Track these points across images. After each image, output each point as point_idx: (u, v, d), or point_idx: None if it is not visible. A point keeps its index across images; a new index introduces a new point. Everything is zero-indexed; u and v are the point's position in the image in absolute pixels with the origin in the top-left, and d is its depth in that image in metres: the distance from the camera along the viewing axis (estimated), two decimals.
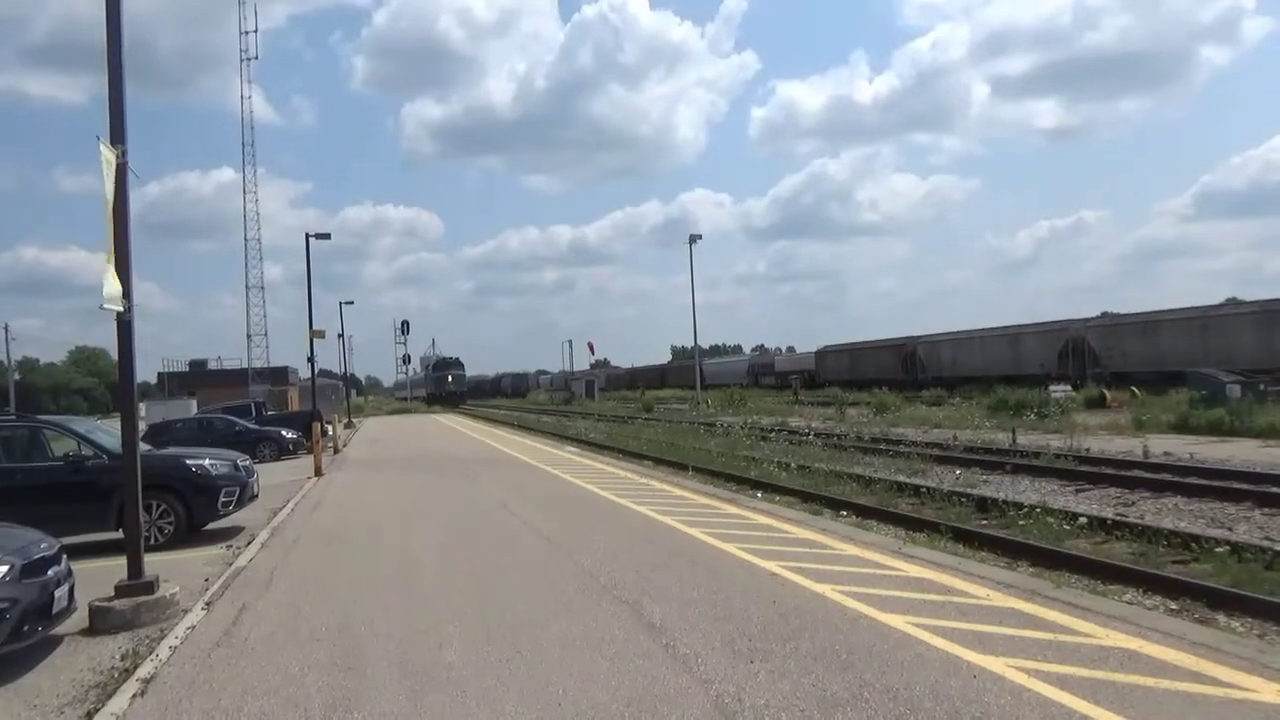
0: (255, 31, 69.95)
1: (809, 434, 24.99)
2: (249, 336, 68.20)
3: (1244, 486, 12.43)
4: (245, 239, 68.34)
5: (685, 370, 75.92)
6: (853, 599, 6.71)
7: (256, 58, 71.97)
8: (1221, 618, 6.75)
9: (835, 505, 12.66)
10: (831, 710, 4.59)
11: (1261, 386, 24.28)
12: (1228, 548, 8.36)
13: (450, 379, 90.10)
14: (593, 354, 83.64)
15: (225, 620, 7.25)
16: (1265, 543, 8.78)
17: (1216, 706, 4.40)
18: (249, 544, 11.18)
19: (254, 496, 13.03)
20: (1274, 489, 12.10)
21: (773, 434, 25.47)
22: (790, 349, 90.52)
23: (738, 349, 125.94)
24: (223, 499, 12.04)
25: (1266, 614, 6.67)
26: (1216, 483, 12.92)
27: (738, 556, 8.59)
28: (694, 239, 48.16)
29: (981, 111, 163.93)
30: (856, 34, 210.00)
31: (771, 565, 8.04)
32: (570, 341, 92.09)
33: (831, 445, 21.57)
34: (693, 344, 59.18)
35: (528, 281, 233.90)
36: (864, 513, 11.97)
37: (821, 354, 68.94)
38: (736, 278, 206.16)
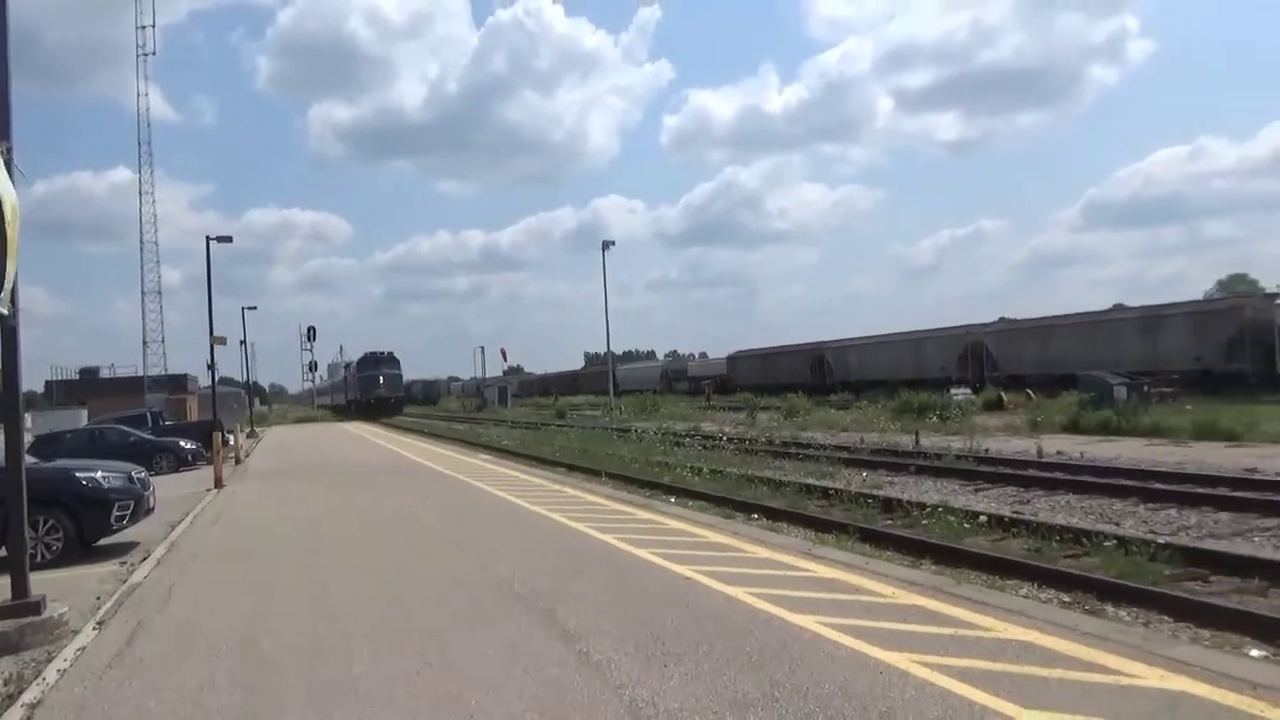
0: (153, 26, 67.33)
1: (721, 439, 25.28)
2: (145, 343, 65.60)
3: (1130, 483, 13.09)
4: (141, 241, 65.86)
5: (599, 376, 75.96)
6: (764, 601, 6.81)
7: (154, 53, 68.83)
8: (1110, 608, 7.08)
9: (747, 509, 12.83)
10: (744, 711, 4.64)
11: (1145, 388, 25.64)
12: (1115, 542, 8.77)
13: (383, 380, 69.48)
14: (505, 360, 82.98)
15: (118, 640, 6.92)
16: (1149, 536, 9.26)
17: (1106, 693, 4.61)
18: (144, 560, 10.70)
19: (150, 510, 12.48)
20: (1157, 485, 12.78)
21: (686, 439, 25.68)
22: (703, 354, 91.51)
23: (651, 355, 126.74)
24: (116, 513, 11.49)
25: (1150, 603, 7.03)
26: (1105, 480, 13.57)
27: (651, 561, 8.62)
28: (607, 245, 48.48)
29: (886, 123, 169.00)
30: (767, 46, 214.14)
31: (685, 569, 8.10)
32: (483, 348, 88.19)
33: (743, 449, 21.86)
34: (606, 350, 59.36)
35: (439, 287, 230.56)
36: (775, 515, 12.16)
37: (733, 359, 69.91)
38: (649, 284, 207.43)
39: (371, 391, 68.54)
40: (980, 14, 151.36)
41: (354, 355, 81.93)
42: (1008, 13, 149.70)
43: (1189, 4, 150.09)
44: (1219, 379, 32.06)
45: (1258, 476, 13.25)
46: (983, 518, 10.75)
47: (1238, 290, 62.80)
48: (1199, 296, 52.40)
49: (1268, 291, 45.56)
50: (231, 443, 29.38)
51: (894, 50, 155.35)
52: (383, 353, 71.58)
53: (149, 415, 33.57)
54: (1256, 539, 9.60)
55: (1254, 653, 5.83)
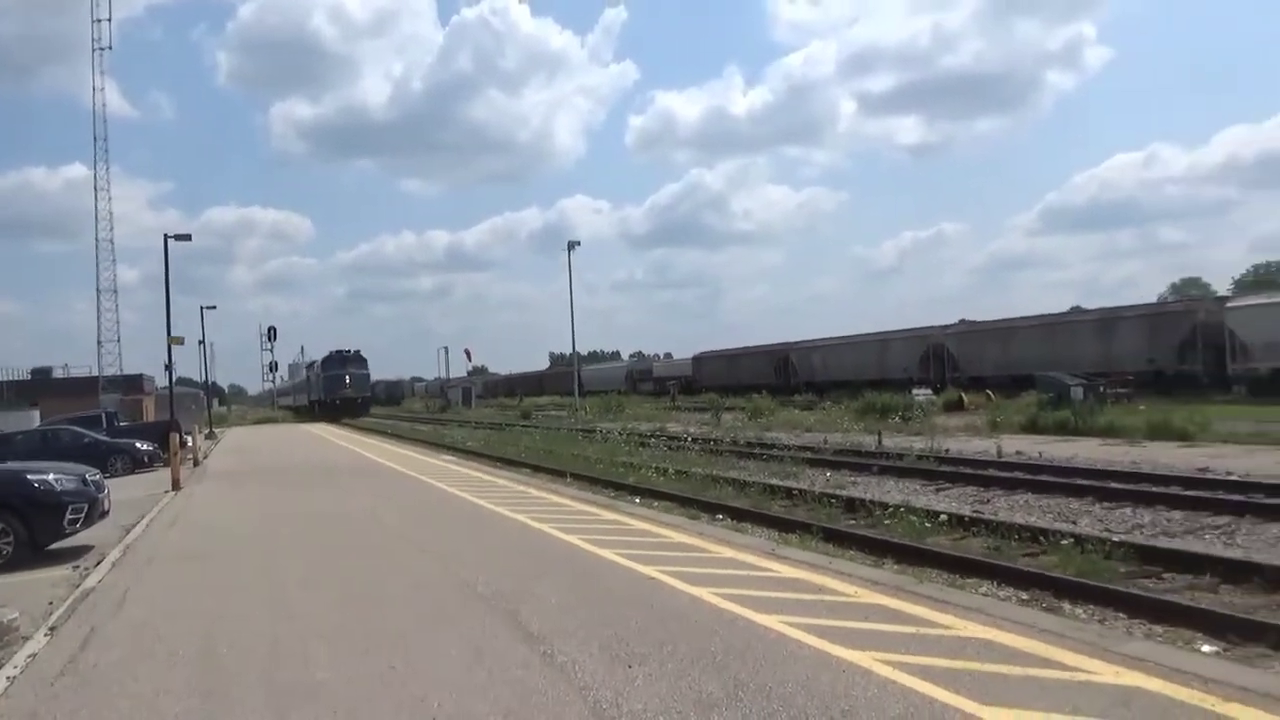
0: (109, 20, 66.02)
1: (686, 439, 25.34)
2: (100, 343, 64.34)
3: (1086, 483, 13.33)
4: (97, 239, 64.48)
5: (564, 377, 75.76)
6: (728, 601, 6.84)
7: (110, 48, 67.52)
8: (1067, 605, 7.21)
9: (711, 509, 12.88)
10: (708, 711, 4.66)
11: (1101, 389, 26.12)
12: (1072, 540, 8.93)
13: (349, 379, 66.34)
14: (470, 360, 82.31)
15: (71, 646, 6.77)
16: (1104, 534, 9.44)
17: (1062, 689, 4.69)
18: (99, 563, 10.49)
19: (105, 513, 12.23)
20: (1113, 484, 13.02)
21: (651, 439, 25.71)
22: (668, 355, 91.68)
23: (616, 355, 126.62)
24: (69, 516, 11.24)
25: (1105, 601, 7.18)
26: (1062, 479, 13.81)
27: (616, 562, 8.62)
28: (573, 245, 48.39)
29: (849, 126, 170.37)
30: (731, 49, 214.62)
31: (649, 570, 8.11)
32: (447, 348, 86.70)
33: (708, 450, 21.93)
34: (571, 350, 59.23)
35: (403, 287, 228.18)
36: (739, 516, 12.21)
37: (699, 360, 70.14)
38: (615, 284, 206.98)
39: (337, 391, 65.36)
40: (941, 20, 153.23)
41: (316, 356, 79.34)
42: (968, 19, 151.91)
43: (1145, 13, 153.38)
44: (1172, 380, 32.80)
45: (1209, 475, 13.55)
46: (944, 517, 10.88)
47: (1190, 294, 64.23)
48: (1153, 299, 53.67)
49: (1219, 295, 46.73)
50: (189, 444, 28.88)
51: (856, 54, 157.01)
52: (349, 351, 68.64)
53: (104, 416, 32.88)
54: (1208, 537, 9.83)
55: (1205, 648, 5.97)
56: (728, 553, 8.87)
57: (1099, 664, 5.04)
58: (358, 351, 68.96)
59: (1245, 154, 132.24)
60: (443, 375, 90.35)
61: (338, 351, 68.42)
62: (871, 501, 12.43)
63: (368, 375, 70.20)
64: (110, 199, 65.91)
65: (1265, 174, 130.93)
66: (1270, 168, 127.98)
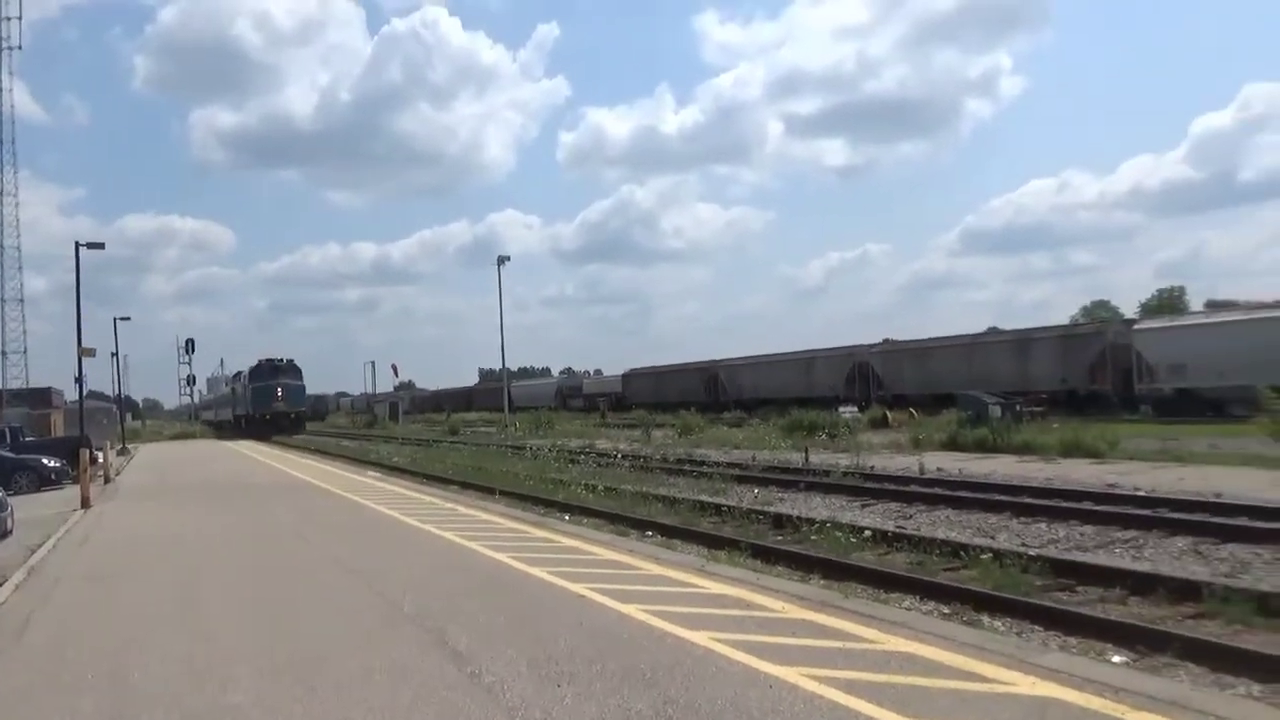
0: (19, 18, 63.49)
1: (616, 456, 25.35)
2: (4, 354, 61.67)
3: (1004, 498, 13.73)
4: (2, 246, 61.73)
5: (493, 392, 75.09)
6: (658, 618, 6.84)
7: (20, 47, 65.00)
8: (986, 619, 7.41)
9: (641, 526, 12.89)
10: None
11: (1018, 407, 26.94)
12: (991, 555, 9.20)
13: (282, 392, 59.66)
14: (397, 375, 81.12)
15: None
16: (1021, 549, 9.74)
17: (983, 701, 4.82)
18: (0, 585, 10.00)
19: (8, 532, 11.71)
20: (1029, 500, 13.44)
21: (581, 456, 25.65)
22: (598, 371, 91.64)
23: (546, 371, 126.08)
24: None
25: (1023, 614, 7.40)
26: (981, 495, 14.20)
27: (545, 580, 8.56)
28: (503, 260, 48.10)
29: (776, 148, 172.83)
30: (663, 69, 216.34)
31: (578, 588, 8.07)
32: (373, 362, 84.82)
33: (638, 467, 21.97)
34: (501, 366, 58.84)
35: (328, 299, 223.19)
36: (669, 532, 12.25)
37: (628, 377, 70.29)
38: (545, 300, 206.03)
39: (268, 406, 58.74)
40: (865, 46, 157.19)
41: (235, 369, 73.65)
42: (891, 46, 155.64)
43: (1057, 45, 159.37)
44: (1083, 399, 34.05)
45: (1118, 491, 14.08)
46: (868, 533, 11.09)
47: (1100, 316, 66.83)
48: (1065, 320, 55.56)
49: (1126, 318, 48.71)
50: (100, 460, 27.76)
51: (783, 77, 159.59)
52: (281, 360, 61.57)
53: (7, 431, 31.31)
54: (1117, 550, 10.23)
55: (1115, 658, 6.20)
56: (657, 570, 8.88)
57: (1017, 675, 5.18)
58: (291, 361, 62.37)
59: (1150, 183, 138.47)
60: (369, 390, 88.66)
61: (268, 360, 61.59)
62: (799, 518, 12.60)
63: (303, 387, 63.60)
64: (18, 204, 63.41)
65: (1168, 202, 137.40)
66: (1172, 196, 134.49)
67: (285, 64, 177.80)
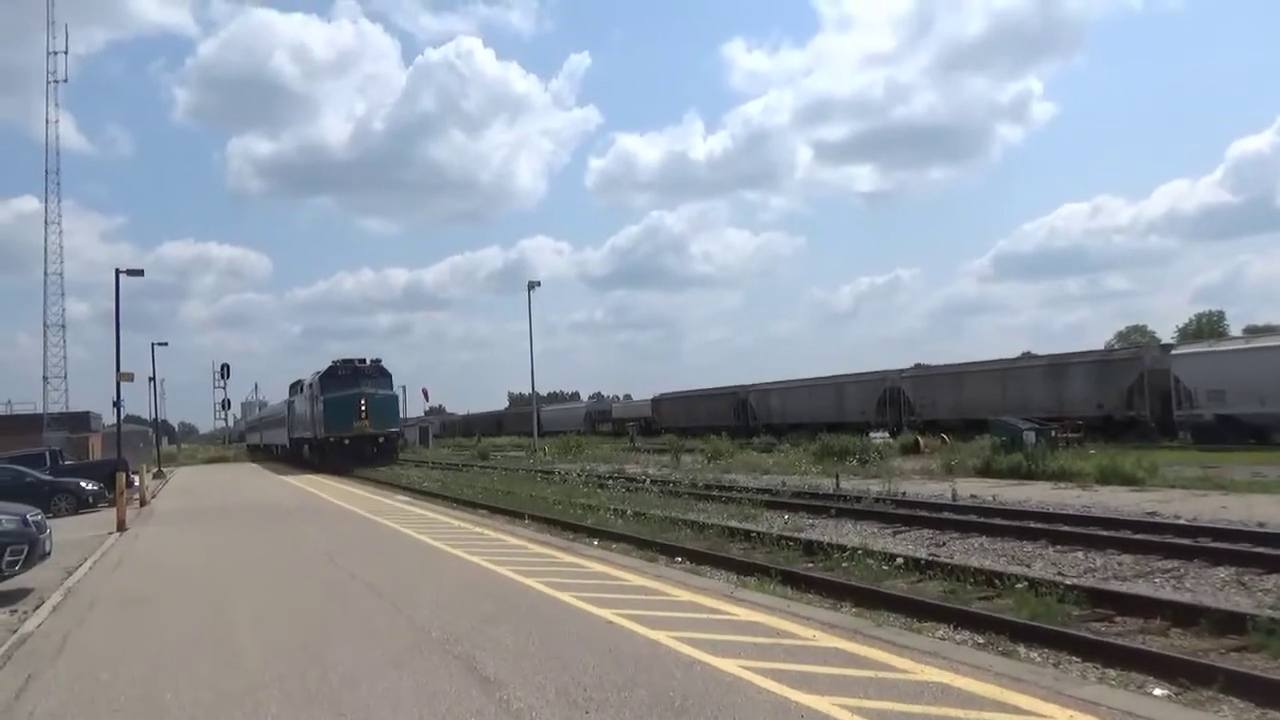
0: (65, 53, 65.04)
1: (645, 481, 25.25)
2: (45, 379, 62.44)
3: (1039, 526, 13.49)
4: (45, 273, 62.84)
5: (523, 417, 75.31)
6: (686, 644, 6.79)
7: (65, 80, 66.54)
8: (1022, 649, 7.26)
9: (670, 551, 12.81)
10: None
11: (1053, 433, 26.55)
12: (1026, 583, 9.03)
13: (366, 406, 41.37)
14: (427, 400, 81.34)
15: (7, 694, 6.52)
16: (1058, 578, 9.55)
17: None
18: (38, 607, 10.14)
19: (46, 554, 11.85)
20: (1065, 528, 13.20)
21: (609, 481, 25.58)
22: (627, 396, 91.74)
23: (575, 396, 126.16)
24: (8, 558, 10.88)
25: (1060, 644, 7.24)
26: (1016, 523, 13.96)
27: (573, 605, 8.53)
28: (533, 285, 48.35)
29: (806, 174, 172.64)
30: (692, 96, 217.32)
31: (607, 613, 8.03)
32: (404, 387, 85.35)
33: (667, 492, 21.86)
34: (530, 390, 58.96)
35: (360, 325, 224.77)
36: (698, 558, 12.17)
37: (658, 401, 70.18)
38: (574, 325, 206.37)
39: (347, 426, 41.13)
40: (894, 73, 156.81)
41: (269, 394, 60.64)
42: (919, 73, 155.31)
43: (1089, 71, 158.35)
44: (1120, 425, 33.46)
45: (1158, 519, 13.79)
46: (900, 560, 10.93)
47: (1136, 341, 65.89)
48: (1099, 345, 54.86)
49: (1164, 343, 48.00)
50: (136, 484, 28.16)
51: (812, 104, 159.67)
52: (363, 361, 43.45)
53: (48, 454, 31.95)
54: (1157, 580, 9.99)
55: (1156, 691, 6.04)
56: (686, 596, 8.82)
57: (1054, 708, 5.07)
58: (377, 362, 44.11)
59: (1185, 207, 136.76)
60: (401, 415, 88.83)
61: (345, 361, 43.38)
62: (829, 544, 12.45)
63: (395, 399, 46.86)
64: (61, 232, 64.38)
65: (1204, 226, 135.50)
66: (1209, 221, 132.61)
67: (321, 94, 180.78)
